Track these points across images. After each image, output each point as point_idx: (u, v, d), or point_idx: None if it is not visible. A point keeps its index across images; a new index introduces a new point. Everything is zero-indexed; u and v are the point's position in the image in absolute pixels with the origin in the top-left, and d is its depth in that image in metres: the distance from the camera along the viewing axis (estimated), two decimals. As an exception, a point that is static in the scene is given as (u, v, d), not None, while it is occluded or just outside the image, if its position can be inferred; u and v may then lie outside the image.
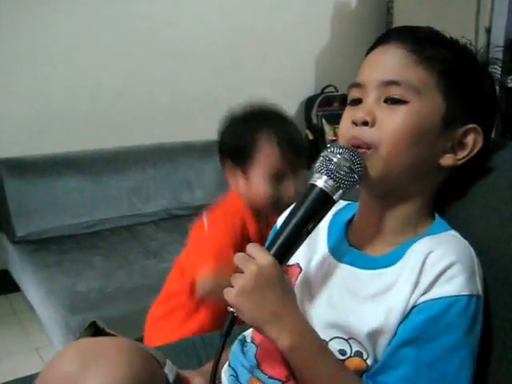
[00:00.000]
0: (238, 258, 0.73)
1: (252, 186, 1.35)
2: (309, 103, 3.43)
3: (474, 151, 0.79)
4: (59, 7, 2.62)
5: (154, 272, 2.16)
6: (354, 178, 0.74)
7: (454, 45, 0.81)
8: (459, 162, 0.79)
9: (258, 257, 0.72)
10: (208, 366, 0.88)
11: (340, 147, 0.75)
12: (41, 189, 2.47)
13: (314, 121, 3.38)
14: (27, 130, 2.61)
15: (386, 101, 0.77)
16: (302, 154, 1.36)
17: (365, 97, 0.79)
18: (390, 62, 0.78)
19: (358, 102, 0.80)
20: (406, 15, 3.32)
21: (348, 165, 0.73)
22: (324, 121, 3.37)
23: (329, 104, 3.41)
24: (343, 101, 3.43)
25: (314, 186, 0.75)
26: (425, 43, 0.78)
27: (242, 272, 0.72)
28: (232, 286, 0.72)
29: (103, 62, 2.77)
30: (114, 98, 2.83)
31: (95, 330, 0.83)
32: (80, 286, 2.05)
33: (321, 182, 0.74)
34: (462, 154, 0.79)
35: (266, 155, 1.32)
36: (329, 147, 0.77)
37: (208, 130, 2.97)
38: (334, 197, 0.74)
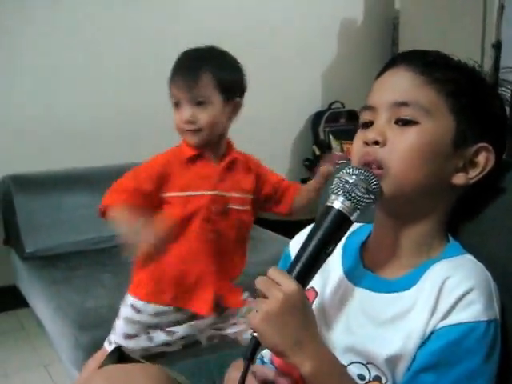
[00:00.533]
0: (262, 282, 0.73)
1: None
2: (316, 119, 3.45)
3: (486, 170, 0.80)
4: (62, 23, 2.66)
5: (163, 288, 2.16)
6: (370, 198, 0.75)
7: (463, 67, 0.83)
8: (471, 181, 0.80)
9: (283, 283, 0.72)
10: None
11: (355, 168, 0.76)
12: (49, 205, 2.48)
13: (321, 136, 3.40)
14: (36, 146, 2.64)
15: (396, 122, 0.78)
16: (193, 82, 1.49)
17: (376, 119, 0.80)
18: (400, 84, 0.79)
19: (369, 124, 0.81)
20: (411, 32, 3.34)
21: (365, 185, 0.74)
22: (331, 136, 3.38)
23: (336, 120, 3.42)
24: (350, 117, 3.45)
25: (331, 207, 0.75)
26: (433, 66, 0.80)
27: (265, 297, 0.72)
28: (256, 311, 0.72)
29: (109, 78, 2.80)
30: (121, 115, 2.85)
31: (119, 355, 0.84)
32: (89, 303, 2.05)
33: (338, 203, 0.74)
34: (474, 173, 0.80)
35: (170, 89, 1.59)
36: (343, 169, 0.78)
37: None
38: (352, 217, 0.75)
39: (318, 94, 3.52)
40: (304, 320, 0.73)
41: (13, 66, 2.57)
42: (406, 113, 0.77)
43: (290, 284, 0.71)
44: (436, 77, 0.78)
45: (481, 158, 0.79)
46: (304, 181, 3.48)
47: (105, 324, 1.93)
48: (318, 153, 3.42)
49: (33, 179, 2.52)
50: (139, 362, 0.82)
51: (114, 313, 2.00)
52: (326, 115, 3.41)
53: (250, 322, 0.72)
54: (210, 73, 1.49)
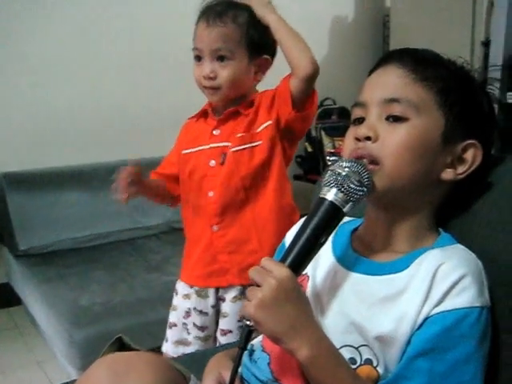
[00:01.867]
0: (254, 271, 0.75)
1: None
2: (307, 116, 3.46)
3: (474, 166, 0.82)
4: (60, 22, 2.65)
5: (157, 285, 2.17)
6: (362, 190, 0.77)
7: (452, 65, 0.85)
8: (459, 177, 0.82)
9: (275, 270, 0.73)
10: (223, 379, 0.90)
11: (348, 161, 0.78)
12: (43, 203, 2.49)
13: (313, 133, 3.41)
14: (29, 144, 2.63)
15: (387, 118, 0.80)
16: (217, 34, 1.37)
17: (367, 115, 0.82)
18: (391, 81, 0.82)
19: (360, 120, 0.83)
20: (402, 29, 3.37)
21: (357, 178, 0.76)
22: (323, 133, 3.39)
23: (327, 116, 3.44)
24: (341, 113, 3.46)
25: (323, 199, 0.77)
26: (424, 63, 0.82)
27: (258, 285, 0.73)
28: (249, 300, 0.73)
29: (104, 76, 2.79)
30: (115, 112, 2.85)
31: (119, 346, 0.85)
32: (83, 300, 2.06)
33: (331, 195, 0.76)
34: (462, 169, 0.82)
35: (193, 38, 1.46)
36: (336, 162, 0.80)
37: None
38: (344, 209, 0.76)
39: (310, 91, 3.53)
40: (298, 305, 0.74)
41: (7, 64, 2.56)
42: (396, 109, 0.79)
43: (281, 270, 0.73)
44: (426, 74, 0.80)
45: (469, 155, 0.82)
46: (297, 177, 3.51)
47: (99, 321, 1.95)
48: (310, 149, 3.44)
49: (26, 177, 2.52)
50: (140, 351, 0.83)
51: (107, 310, 2.02)
52: (318, 112, 3.42)
53: (244, 311, 0.73)
54: (238, 24, 1.37)
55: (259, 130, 1.39)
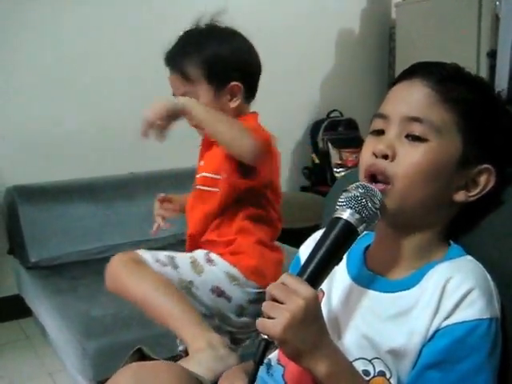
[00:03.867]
0: (276, 288, 0.74)
1: None
2: (315, 128, 3.49)
3: (486, 190, 0.83)
4: (70, 36, 2.69)
5: (167, 296, 2.19)
6: (376, 213, 0.78)
7: (477, 84, 0.85)
8: (471, 199, 0.83)
9: (302, 289, 0.72)
10: None
11: (362, 186, 0.79)
12: (54, 215, 2.51)
13: (320, 145, 3.44)
14: (40, 157, 2.67)
15: (406, 136, 0.80)
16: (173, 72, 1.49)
17: (387, 129, 0.83)
18: (415, 99, 0.81)
19: (380, 132, 0.84)
20: (408, 42, 3.39)
21: (371, 201, 0.77)
22: (330, 145, 3.41)
23: (334, 128, 3.46)
24: (348, 125, 3.49)
25: (339, 218, 0.77)
26: (449, 82, 0.82)
27: (279, 301, 0.72)
28: (269, 317, 0.72)
29: (114, 88, 2.83)
30: (124, 124, 2.87)
31: (139, 356, 0.86)
32: (94, 312, 2.07)
33: (346, 214, 0.77)
34: (474, 192, 0.83)
35: None
36: (349, 183, 0.81)
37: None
38: (359, 229, 0.77)
39: (317, 103, 3.56)
40: (320, 324, 0.75)
41: (16, 77, 2.60)
42: (417, 129, 0.79)
43: (308, 290, 0.72)
44: (451, 96, 0.80)
45: (482, 179, 0.82)
46: (304, 189, 3.53)
47: (110, 332, 1.97)
48: (317, 161, 3.46)
49: (37, 190, 2.55)
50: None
51: (119, 321, 2.03)
52: (325, 124, 3.45)
53: (269, 330, 0.71)
54: (192, 67, 1.40)
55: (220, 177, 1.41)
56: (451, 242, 0.87)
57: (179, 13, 2.97)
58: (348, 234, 0.77)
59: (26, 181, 2.55)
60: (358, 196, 0.78)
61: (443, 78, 0.82)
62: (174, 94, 1.48)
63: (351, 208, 0.77)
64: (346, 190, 0.80)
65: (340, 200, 0.79)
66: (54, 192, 2.58)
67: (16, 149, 2.62)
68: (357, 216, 0.77)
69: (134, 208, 2.68)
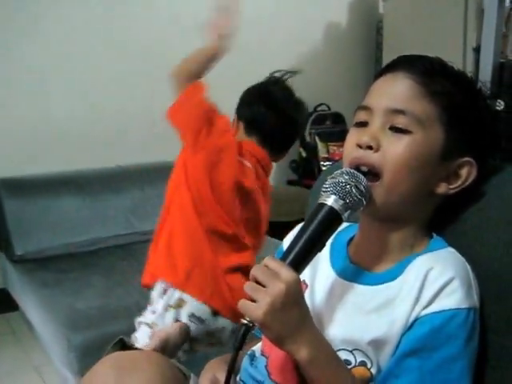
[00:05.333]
0: (258, 270, 0.74)
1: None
2: (302, 121, 3.49)
3: (467, 183, 0.84)
4: (57, 27, 2.68)
5: (153, 289, 2.19)
6: (361, 200, 0.78)
7: (460, 78, 0.85)
8: (451, 191, 0.84)
9: (283, 273, 0.73)
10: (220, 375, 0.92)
11: (347, 172, 0.80)
12: (39, 208, 2.50)
13: (308, 139, 3.44)
14: (26, 149, 2.65)
15: (390, 128, 0.81)
16: None
17: (371, 121, 0.83)
18: (399, 91, 0.82)
19: (364, 124, 0.84)
20: (395, 36, 3.41)
21: (356, 187, 0.78)
22: (317, 138, 3.43)
23: (321, 122, 3.47)
24: (335, 119, 3.50)
25: (323, 204, 0.78)
26: (433, 76, 0.82)
27: (261, 284, 0.72)
28: (252, 300, 0.72)
29: (101, 82, 2.82)
30: (111, 118, 2.88)
31: (121, 346, 0.86)
32: (80, 304, 2.07)
33: (330, 200, 0.77)
34: (455, 184, 0.83)
35: None
36: (336, 170, 0.81)
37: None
38: (343, 216, 0.78)
39: (304, 96, 3.55)
40: (302, 308, 0.75)
41: (3, 71, 2.58)
42: (401, 121, 0.80)
43: (289, 274, 0.73)
44: (434, 88, 0.81)
45: (463, 172, 0.83)
46: (291, 182, 3.54)
47: (96, 325, 1.97)
48: (304, 155, 3.47)
49: (22, 182, 2.54)
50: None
51: (104, 314, 2.03)
52: (312, 117, 3.46)
53: (250, 314, 0.72)
54: None
55: None
56: (433, 235, 0.87)
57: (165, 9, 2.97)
58: (332, 220, 0.78)
59: (11, 174, 2.54)
60: (342, 182, 0.78)
61: (427, 71, 0.82)
62: None
63: (335, 194, 0.77)
64: (331, 176, 0.80)
65: (325, 186, 0.79)
66: (40, 185, 2.57)
67: (1, 142, 2.60)
68: (341, 202, 0.77)
69: (121, 201, 2.68)
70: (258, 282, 0.73)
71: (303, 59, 3.50)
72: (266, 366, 0.88)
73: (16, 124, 2.63)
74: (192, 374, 0.84)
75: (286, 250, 0.78)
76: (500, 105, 1.92)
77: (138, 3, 2.90)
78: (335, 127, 3.46)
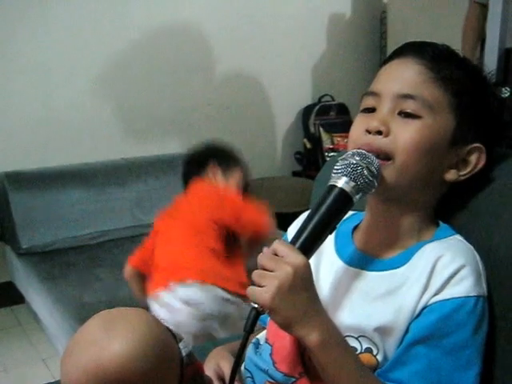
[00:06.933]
0: (265, 257, 0.74)
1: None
2: (306, 112, 3.48)
3: (476, 169, 0.83)
4: (58, 21, 2.67)
5: (159, 281, 2.19)
6: (373, 182, 0.77)
7: (468, 65, 0.85)
8: (461, 178, 0.83)
9: (291, 256, 0.72)
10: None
11: (359, 153, 0.78)
12: (45, 201, 2.50)
13: (312, 130, 3.43)
14: (31, 143, 2.65)
15: (399, 113, 0.80)
16: None
17: (379, 106, 0.82)
18: (408, 76, 0.81)
19: (371, 110, 0.83)
20: (399, 25, 3.38)
21: (368, 169, 0.77)
22: (321, 129, 3.41)
23: (326, 113, 3.45)
24: (340, 110, 3.48)
25: (334, 186, 0.77)
26: (442, 61, 0.82)
27: (268, 270, 0.72)
28: (259, 286, 0.72)
29: (104, 75, 2.81)
30: (115, 111, 2.87)
31: None
32: (87, 297, 2.07)
33: (341, 182, 0.76)
34: (464, 171, 0.83)
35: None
36: (345, 152, 0.81)
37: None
38: (354, 198, 0.77)
39: (308, 87, 3.55)
40: (311, 292, 0.75)
41: (6, 62, 2.58)
42: (410, 106, 0.79)
43: (298, 257, 0.72)
44: (443, 74, 0.80)
45: (473, 158, 0.83)
46: (295, 174, 3.53)
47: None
48: (308, 146, 3.45)
49: (28, 176, 2.54)
50: None
51: (111, 307, 2.03)
52: (316, 108, 3.44)
53: (258, 298, 0.72)
54: None
55: None
56: (440, 222, 0.87)
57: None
58: (343, 202, 0.77)
59: (16, 167, 2.54)
60: (354, 163, 0.77)
61: (436, 56, 0.82)
62: None
63: (346, 176, 0.76)
64: (342, 158, 0.79)
65: (336, 167, 0.78)
66: (45, 178, 2.56)
67: (7, 135, 2.60)
68: (352, 184, 0.76)
69: (126, 193, 2.68)
70: (266, 270, 0.73)
71: (307, 50, 3.48)
72: (270, 355, 0.88)
73: (21, 118, 2.63)
74: (184, 340, 0.81)
75: (296, 233, 0.77)
76: (507, 91, 1.91)
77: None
78: (339, 118, 3.44)
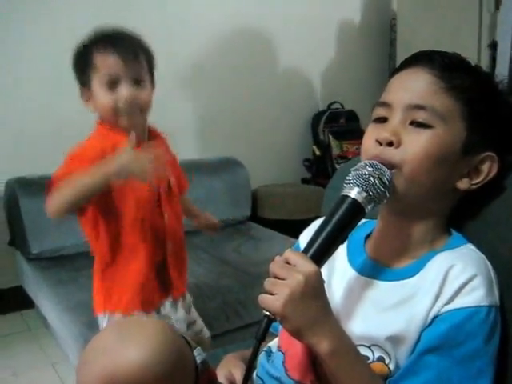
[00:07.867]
0: (278, 265, 0.74)
1: (96, 101, 1.53)
2: (315, 120, 3.49)
3: (489, 178, 0.83)
4: (62, 26, 2.65)
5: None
6: (384, 192, 0.78)
7: (479, 73, 0.85)
8: (473, 187, 0.83)
9: (303, 265, 0.73)
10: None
11: (371, 164, 0.79)
12: (55, 207, 2.51)
13: (321, 137, 3.43)
14: (41, 149, 2.67)
15: (411, 123, 0.80)
16: (133, 59, 1.46)
17: (391, 117, 0.82)
18: (419, 86, 0.81)
19: (383, 120, 0.84)
20: (409, 33, 3.38)
21: (380, 179, 0.77)
22: (331, 136, 3.41)
23: (335, 120, 3.46)
24: (349, 117, 3.48)
25: (346, 196, 0.78)
26: (452, 70, 0.82)
27: (280, 278, 0.73)
28: (271, 293, 0.73)
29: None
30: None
31: None
32: (96, 302, 2.08)
33: (353, 193, 0.77)
34: (476, 180, 0.83)
35: (98, 65, 1.47)
36: (357, 163, 0.81)
37: (217, 148, 3.03)
38: (366, 208, 0.77)
39: (317, 94, 3.56)
40: (322, 300, 0.76)
41: (14, 69, 2.60)
42: (421, 116, 0.80)
43: (309, 266, 0.73)
44: (454, 83, 0.80)
45: (485, 167, 0.83)
46: (305, 181, 3.53)
47: (112, 323, 1.97)
48: (318, 153, 3.46)
49: (38, 181, 2.55)
50: None
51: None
52: (326, 116, 3.45)
53: (270, 306, 0.72)
54: (144, 54, 1.50)
55: None
56: (453, 231, 0.87)
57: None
58: (355, 212, 0.77)
59: (26, 173, 2.55)
60: (366, 174, 0.77)
61: (446, 65, 0.82)
62: (112, 81, 1.48)
63: (359, 186, 0.77)
64: (354, 169, 0.80)
65: (348, 178, 0.79)
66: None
67: (16, 141, 2.62)
68: (364, 194, 0.77)
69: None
70: (277, 278, 0.73)
71: (316, 57, 3.49)
72: (283, 362, 0.89)
73: (30, 124, 2.64)
74: (198, 348, 0.82)
75: (308, 242, 0.78)
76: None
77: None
78: (349, 125, 3.44)
